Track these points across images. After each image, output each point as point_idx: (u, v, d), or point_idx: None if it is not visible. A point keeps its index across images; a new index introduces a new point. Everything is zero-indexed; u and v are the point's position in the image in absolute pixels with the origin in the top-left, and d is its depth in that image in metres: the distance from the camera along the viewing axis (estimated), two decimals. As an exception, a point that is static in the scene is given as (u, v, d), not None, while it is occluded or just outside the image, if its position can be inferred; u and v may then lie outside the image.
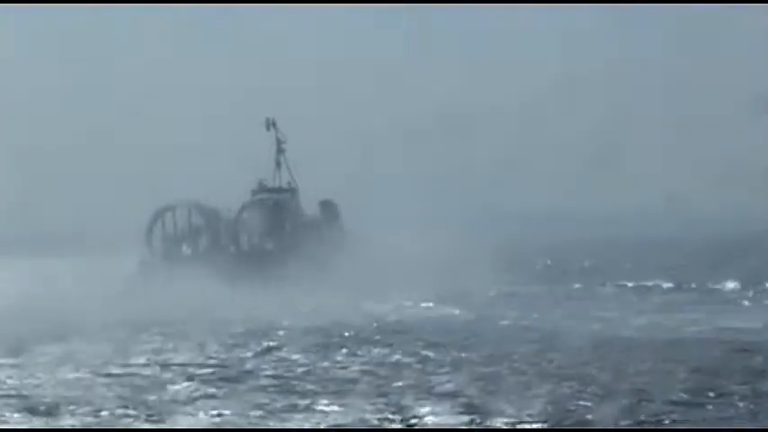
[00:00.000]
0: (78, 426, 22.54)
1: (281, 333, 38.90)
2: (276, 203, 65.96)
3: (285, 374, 28.56)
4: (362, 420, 21.58)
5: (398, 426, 19.99)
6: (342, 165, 72.09)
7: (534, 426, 19.30)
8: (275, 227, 65.53)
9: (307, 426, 20.74)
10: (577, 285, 59.17)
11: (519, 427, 19.27)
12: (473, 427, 19.40)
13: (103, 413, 23.78)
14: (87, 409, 24.16)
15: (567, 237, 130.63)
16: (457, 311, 44.05)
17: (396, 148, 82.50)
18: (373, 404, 23.02)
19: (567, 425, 19.89)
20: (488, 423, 20.52)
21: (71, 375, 29.77)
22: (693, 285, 56.09)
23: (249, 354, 33.69)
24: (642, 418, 20.81)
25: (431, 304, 48.29)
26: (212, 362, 31.93)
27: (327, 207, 66.16)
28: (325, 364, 30.46)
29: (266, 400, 24.37)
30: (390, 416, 21.85)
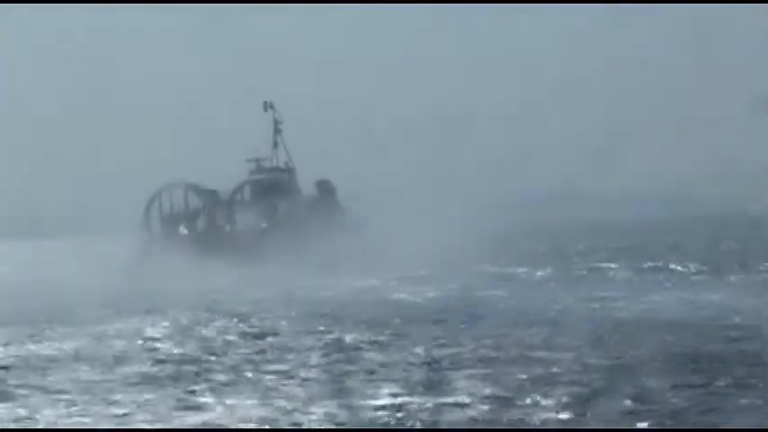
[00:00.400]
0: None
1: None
2: (270, 183, 67.06)
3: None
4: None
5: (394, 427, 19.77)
6: (343, 159, 73.05)
7: (534, 426, 19.03)
8: (269, 206, 66.36)
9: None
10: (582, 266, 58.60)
11: (519, 427, 19.06)
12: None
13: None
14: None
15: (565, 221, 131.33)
16: (431, 293, 43.85)
17: (396, 145, 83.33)
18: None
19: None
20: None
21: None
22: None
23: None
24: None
25: (408, 284, 48.05)
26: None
27: (323, 186, 67.11)
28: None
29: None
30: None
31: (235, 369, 25.42)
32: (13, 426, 20.33)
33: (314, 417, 19.87)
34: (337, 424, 19.47)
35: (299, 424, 19.53)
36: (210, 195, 67.88)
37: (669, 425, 18.67)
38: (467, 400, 20.78)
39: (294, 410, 20.40)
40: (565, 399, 20.40)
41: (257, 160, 67.69)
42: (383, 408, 20.27)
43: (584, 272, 53.68)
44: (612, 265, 56.12)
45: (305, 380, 23.61)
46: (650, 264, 56.06)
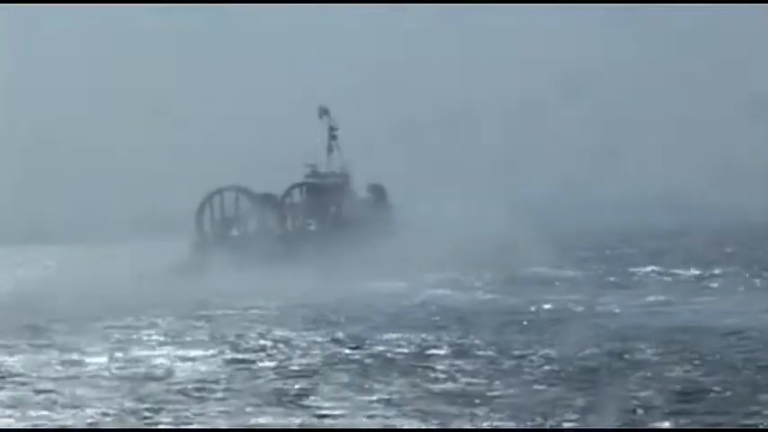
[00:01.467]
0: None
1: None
2: (321, 186, 69.24)
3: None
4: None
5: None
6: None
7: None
8: (319, 209, 68.28)
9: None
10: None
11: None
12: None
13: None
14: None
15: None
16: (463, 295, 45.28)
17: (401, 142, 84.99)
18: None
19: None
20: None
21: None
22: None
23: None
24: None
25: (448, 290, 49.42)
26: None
27: (376, 190, 69.53)
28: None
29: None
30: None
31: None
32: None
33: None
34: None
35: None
36: (261, 199, 69.80)
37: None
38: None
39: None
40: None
41: (312, 165, 69.64)
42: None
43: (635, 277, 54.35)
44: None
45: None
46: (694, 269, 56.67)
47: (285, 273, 55.44)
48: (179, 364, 29.11)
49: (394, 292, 47.63)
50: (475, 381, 24.37)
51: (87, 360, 30.22)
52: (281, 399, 23.38)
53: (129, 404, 23.38)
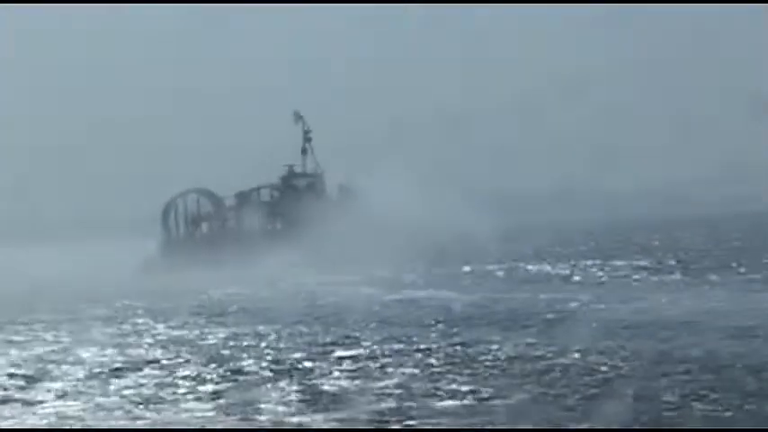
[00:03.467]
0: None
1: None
2: (286, 187, 72.63)
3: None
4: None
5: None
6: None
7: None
8: (276, 210, 71.52)
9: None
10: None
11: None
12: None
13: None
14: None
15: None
16: (372, 290, 46.00)
17: (397, 142, 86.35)
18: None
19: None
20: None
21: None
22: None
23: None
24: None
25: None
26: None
27: (344, 190, 72.27)
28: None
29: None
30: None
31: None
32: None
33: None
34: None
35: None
36: (219, 201, 73.65)
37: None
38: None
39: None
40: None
41: (290, 165, 73.07)
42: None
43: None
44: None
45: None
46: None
47: (229, 270, 57.91)
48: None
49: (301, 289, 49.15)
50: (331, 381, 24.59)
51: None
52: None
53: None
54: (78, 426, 20.61)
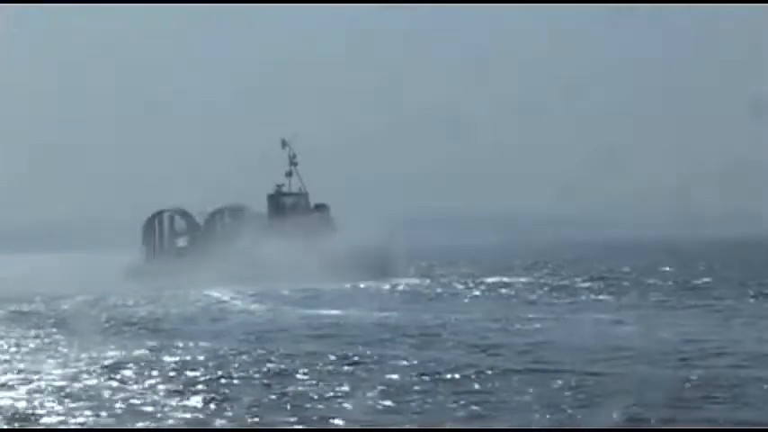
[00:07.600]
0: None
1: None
2: (240, 208, 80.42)
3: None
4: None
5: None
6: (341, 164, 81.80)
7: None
8: (237, 229, 77.41)
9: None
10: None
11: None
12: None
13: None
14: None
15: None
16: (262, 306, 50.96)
17: (392, 147, 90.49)
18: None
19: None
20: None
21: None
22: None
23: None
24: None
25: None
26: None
27: (320, 208, 79.20)
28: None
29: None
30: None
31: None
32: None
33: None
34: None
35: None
36: (192, 219, 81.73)
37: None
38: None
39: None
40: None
41: (279, 185, 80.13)
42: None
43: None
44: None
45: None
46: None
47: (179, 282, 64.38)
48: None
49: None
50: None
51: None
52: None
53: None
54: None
